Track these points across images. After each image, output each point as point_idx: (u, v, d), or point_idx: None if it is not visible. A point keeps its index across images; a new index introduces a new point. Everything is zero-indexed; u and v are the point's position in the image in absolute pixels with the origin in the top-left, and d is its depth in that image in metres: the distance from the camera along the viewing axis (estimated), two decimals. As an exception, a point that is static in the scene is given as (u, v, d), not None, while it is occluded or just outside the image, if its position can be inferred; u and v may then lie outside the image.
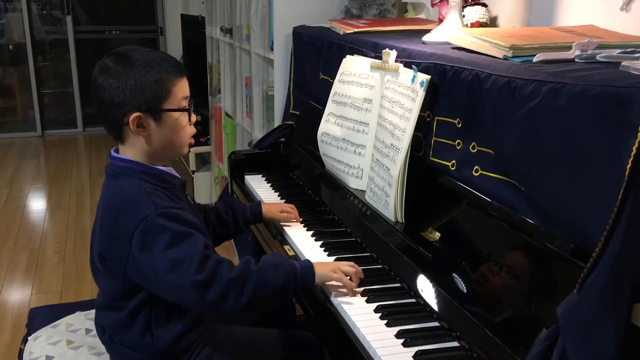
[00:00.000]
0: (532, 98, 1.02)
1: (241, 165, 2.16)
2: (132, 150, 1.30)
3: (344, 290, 1.29)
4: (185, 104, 1.30)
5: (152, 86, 1.24)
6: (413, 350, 1.10)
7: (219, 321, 1.44)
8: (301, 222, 1.68)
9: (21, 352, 1.54)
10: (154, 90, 1.24)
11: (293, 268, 1.27)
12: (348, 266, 1.32)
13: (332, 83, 1.77)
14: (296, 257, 1.52)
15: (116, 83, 1.23)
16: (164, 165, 1.34)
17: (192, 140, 1.37)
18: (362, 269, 1.39)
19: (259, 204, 1.68)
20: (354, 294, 1.29)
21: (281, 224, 1.68)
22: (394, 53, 1.51)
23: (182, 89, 1.29)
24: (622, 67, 0.98)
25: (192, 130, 1.34)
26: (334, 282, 1.30)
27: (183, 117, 1.30)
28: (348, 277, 1.30)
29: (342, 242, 1.56)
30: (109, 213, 1.26)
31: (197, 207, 1.51)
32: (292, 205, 1.72)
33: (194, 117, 1.34)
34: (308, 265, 1.29)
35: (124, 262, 1.22)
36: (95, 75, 1.26)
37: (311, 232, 1.61)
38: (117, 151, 1.33)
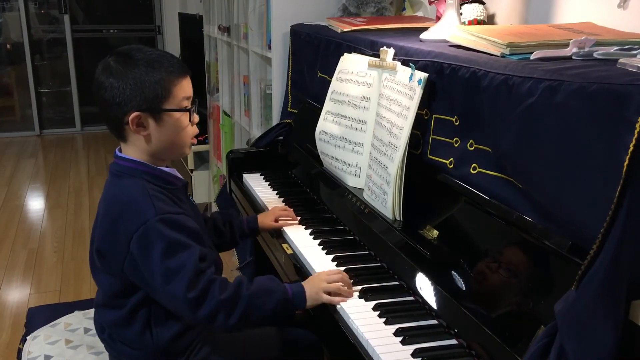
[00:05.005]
0: (530, 95, 1.02)
1: (239, 163, 2.16)
2: (133, 150, 1.30)
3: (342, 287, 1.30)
4: (186, 104, 1.29)
5: (152, 86, 1.23)
6: (412, 348, 1.10)
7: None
8: (300, 221, 1.68)
9: (20, 351, 1.53)
10: (154, 90, 1.23)
11: (285, 294, 1.27)
12: (335, 274, 1.31)
13: (330, 81, 1.77)
14: (295, 255, 1.52)
15: (117, 82, 1.23)
16: (166, 166, 1.34)
17: (195, 141, 1.36)
18: (361, 267, 1.39)
19: (255, 218, 1.67)
20: (351, 295, 1.29)
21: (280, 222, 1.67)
22: (391, 51, 1.51)
23: (184, 89, 1.28)
24: (619, 64, 0.98)
25: (194, 130, 1.33)
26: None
27: (184, 118, 1.29)
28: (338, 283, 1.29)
29: (340, 241, 1.56)
30: (110, 213, 1.26)
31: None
32: (285, 207, 1.72)
33: (195, 118, 1.33)
34: (300, 292, 1.28)
35: (121, 260, 1.22)
36: (98, 73, 1.26)
37: (309, 231, 1.61)
38: (121, 150, 1.33)
